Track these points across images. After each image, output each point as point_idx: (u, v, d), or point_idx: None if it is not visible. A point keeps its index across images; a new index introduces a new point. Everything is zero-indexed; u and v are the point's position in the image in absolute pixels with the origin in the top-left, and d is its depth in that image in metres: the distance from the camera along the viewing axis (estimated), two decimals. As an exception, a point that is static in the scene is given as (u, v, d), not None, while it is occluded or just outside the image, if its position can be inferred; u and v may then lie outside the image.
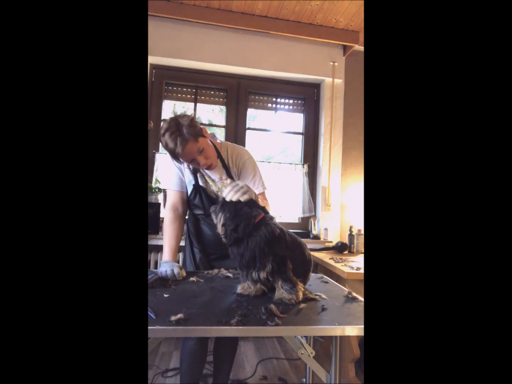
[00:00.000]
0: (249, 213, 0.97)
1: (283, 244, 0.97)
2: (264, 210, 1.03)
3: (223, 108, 2.69)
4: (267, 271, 0.93)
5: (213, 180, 1.32)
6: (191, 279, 1.14)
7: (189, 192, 1.34)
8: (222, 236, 1.01)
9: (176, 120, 1.14)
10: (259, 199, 1.09)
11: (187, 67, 2.52)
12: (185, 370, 1.33)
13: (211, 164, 1.23)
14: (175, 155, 1.15)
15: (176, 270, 1.14)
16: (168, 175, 1.37)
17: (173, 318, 0.74)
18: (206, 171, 1.30)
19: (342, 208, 2.64)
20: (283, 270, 0.94)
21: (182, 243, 1.51)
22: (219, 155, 1.31)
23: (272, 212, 1.11)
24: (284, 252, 0.95)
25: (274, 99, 2.72)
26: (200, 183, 1.32)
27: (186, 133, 1.12)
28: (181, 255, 2.20)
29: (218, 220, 1.00)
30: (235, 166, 1.33)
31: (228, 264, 1.30)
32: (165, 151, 1.18)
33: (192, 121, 1.15)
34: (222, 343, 1.43)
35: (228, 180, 1.30)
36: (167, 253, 1.25)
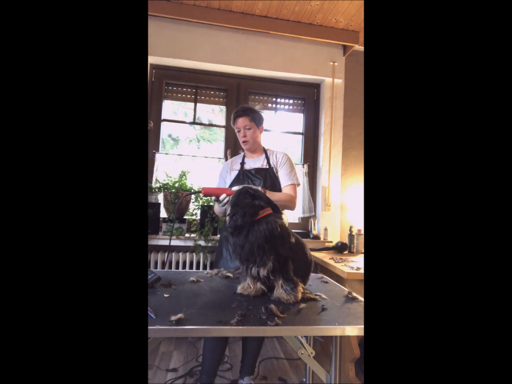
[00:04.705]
0: (250, 203, 0.98)
1: (287, 245, 0.97)
2: (273, 207, 1.03)
3: (223, 108, 2.69)
4: (268, 269, 0.93)
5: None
6: (191, 279, 1.14)
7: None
8: (228, 226, 1.02)
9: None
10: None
11: (187, 67, 2.52)
12: (208, 358, 1.50)
13: (247, 142, 1.56)
14: (234, 119, 1.57)
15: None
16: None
17: (173, 318, 0.74)
18: (248, 159, 1.61)
19: (342, 208, 2.64)
20: (285, 270, 0.94)
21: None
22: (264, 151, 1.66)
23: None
24: (287, 253, 0.95)
25: (274, 99, 2.72)
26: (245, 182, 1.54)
27: (249, 111, 1.55)
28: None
29: (228, 212, 1.03)
30: (275, 159, 1.62)
31: None
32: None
33: (260, 113, 1.60)
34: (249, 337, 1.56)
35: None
36: None
